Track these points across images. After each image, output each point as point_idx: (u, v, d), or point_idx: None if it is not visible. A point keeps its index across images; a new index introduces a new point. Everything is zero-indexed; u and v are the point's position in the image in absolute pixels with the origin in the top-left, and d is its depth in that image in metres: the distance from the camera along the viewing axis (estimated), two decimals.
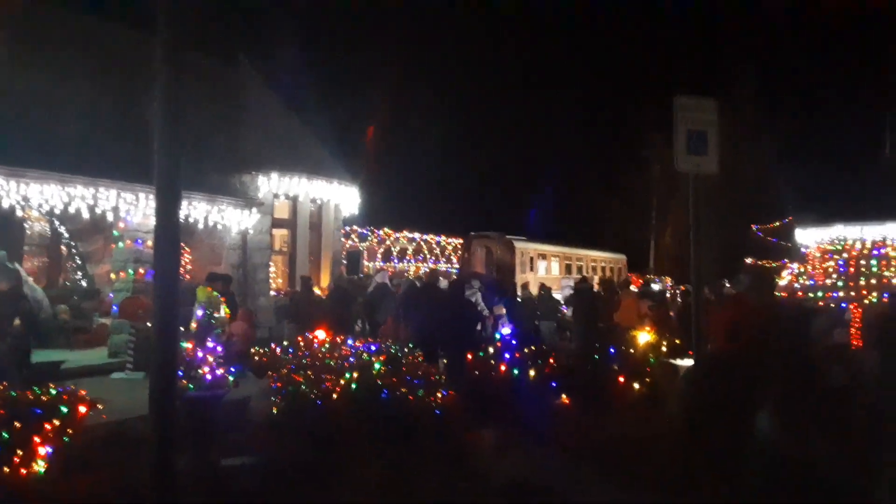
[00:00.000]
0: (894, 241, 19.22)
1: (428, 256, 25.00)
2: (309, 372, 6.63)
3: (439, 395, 6.98)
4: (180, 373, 6.48)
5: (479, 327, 10.60)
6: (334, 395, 6.33)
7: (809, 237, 21.56)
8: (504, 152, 42.66)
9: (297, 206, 14.13)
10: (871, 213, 18.83)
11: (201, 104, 12.51)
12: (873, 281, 18.25)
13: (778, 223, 30.46)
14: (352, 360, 6.82)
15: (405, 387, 6.66)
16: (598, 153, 39.59)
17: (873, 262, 19.39)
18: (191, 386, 6.41)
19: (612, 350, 9.02)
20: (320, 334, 7.71)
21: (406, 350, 7.38)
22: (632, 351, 9.37)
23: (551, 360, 8.33)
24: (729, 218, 28.99)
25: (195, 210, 11.48)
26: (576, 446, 6.32)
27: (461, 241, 24.35)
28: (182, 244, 11.78)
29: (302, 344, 7.56)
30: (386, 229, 23.95)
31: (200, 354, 6.60)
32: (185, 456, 5.31)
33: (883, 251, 19.37)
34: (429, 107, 35.32)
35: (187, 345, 6.68)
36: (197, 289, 7.95)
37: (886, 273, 19.07)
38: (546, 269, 22.93)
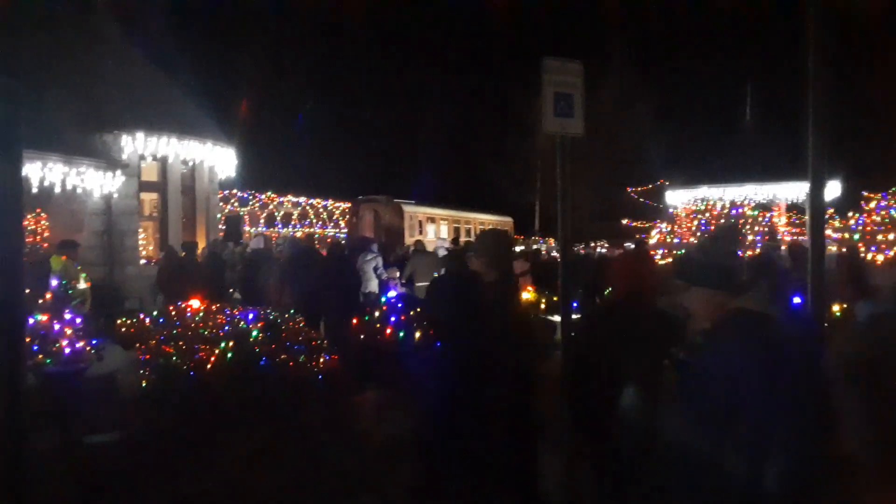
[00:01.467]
0: (751, 200, 21.04)
1: (314, 221, 24.46)
2: (181, 342, 6.34)
3: (322, 360, 6.91)
4: (36, 347, 6.01)
5: (369, 290, 10.59)
6: (209, 366, 6.10)
7: (678, 198, 23.16)
8: (392, 116, 42.21)
9: (167, 168, 13.28)
10: (733, 176, 20.45)
11: (54, 54, 11.42)
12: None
13: (650, 186, 32.34)
14: (227, 328, 6.59)
15: (285, 353, 6.52)
16: (485, 117, 40.08)
17: (732, 220, 21.13)
18: (48, 360, 5.96)
19: None
20: (194, 303, 7.39)
21: (287, 316, 7.22)
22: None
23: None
24: (605, 180, 30.36)
25: (51, 172, 10.52)
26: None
27: (349, 205, 24.04)
28: (38, 209, 10.95)
29: (174, 313, 7.21)
30: (269, 193, 23.15)
31: (57, 327, 6.13)
32: (45, 435, 4.98)
33: (740, 210, 21.13)
34: (314, 68, 34.17)
35: (42, 317, 6.19)
36: (51, 258, 7.34)
37: (743, 230, 20.86)
38: (435, 232, 23.13)
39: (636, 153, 30.67)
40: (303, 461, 5.20)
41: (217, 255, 10.88)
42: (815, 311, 5.35)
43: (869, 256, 16.51)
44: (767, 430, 2.28)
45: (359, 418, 6.33)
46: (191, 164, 13.75)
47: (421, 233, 21.78)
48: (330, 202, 25.35)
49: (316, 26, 39.23)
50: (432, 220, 23.30)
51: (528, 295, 10.24)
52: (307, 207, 24.45)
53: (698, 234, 20.92)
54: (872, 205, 22.03)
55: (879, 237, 21.01)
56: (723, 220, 20.89)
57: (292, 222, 23.87)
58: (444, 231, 23.70)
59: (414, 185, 29.32)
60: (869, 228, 21.69)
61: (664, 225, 24.00)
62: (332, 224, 25.08)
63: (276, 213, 23.56)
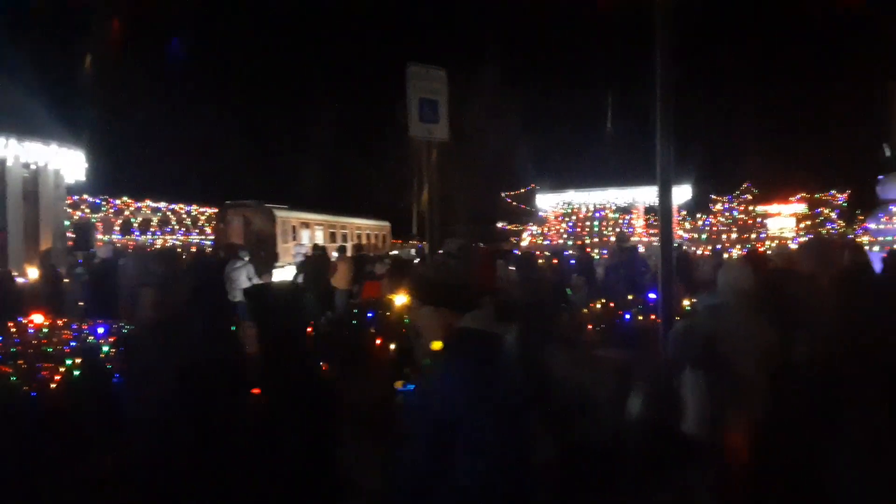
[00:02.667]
0: (613, 204, 22.37)
1: (177, 228, 23.01)
2: (20, 361, 5.80)
3: None
4: None
5: (238, 300, 10.27)
6: (53, 385, 5.61)
7: (547, 202, 24.21)
8: (264, 116, 40.86)
9: (6, 172, 12.06)
10: (596, 181, 21.65)
11: None
12: (596, 239, 21.05)
13: (523, 189, 33.57)
14: (74, 344, 6.09)
15: None
16: (361, 120, 39.78)
17: (595, 223, 22.37)
18: None
19: (370, 314, 9.44)
20: (36, 318, 6.76)
21: None
22: (388, 314, 9.83)
23: (308, 329, 8.31)
24: (479, 185, 31.10)
25: None
26: (329, 409, 6.36)
27: (215, 210, 22.92)
28: None
29: (13, 330, 6.56)
30: (125, 198, 21.53)
31: None
32: None
33: (603, 213, 22.40)
34: (177, 63, 32.39)
35: None
36: None
37: (606, 232, 22.14)
38: (310, 238, 22.60)
39: (509, 158, 31.70)
40: (160, 481, 4.90)
41: (53, 267, 9.96)
42: (665, 304, 5.79)
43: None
44: (485, 450, 2.23)
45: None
46: (33, 167, 12.60)
47: (294, 239, 21.19)
48: (194, 207, 23.90)
49: (180, 21, 37.19)
50: (307, 225, 22.74)
51: (403, 299, 10.33)
52: (168, 213, 22.94)
53: (565, 235, 21.95)
54: (719, 206, 24.20)
55: (724, 236, 23.10)
56: (586, 223, 22.03)
57: (151, 229, 22.35)
58: (320, 237, 23.23)
59: (287, 189, 28.55)
60: (715, 228, 23.80)
61: (535, 227, 24.97)
62: (196, 231, 23.71)
63: (132, 220, 21.97)
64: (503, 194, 34.98)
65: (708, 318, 3.80)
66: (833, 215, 24.66)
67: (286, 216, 21.30)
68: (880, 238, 17.12)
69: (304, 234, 22.30)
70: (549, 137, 31.97)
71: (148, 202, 22.35)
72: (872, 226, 20.11)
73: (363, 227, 27.64)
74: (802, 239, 21.44)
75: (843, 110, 32.75)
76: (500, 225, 37.01)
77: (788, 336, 3.86)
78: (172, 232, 22.65)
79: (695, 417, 3.76)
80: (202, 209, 23.81)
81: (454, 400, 2.24)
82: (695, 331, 3.80)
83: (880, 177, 19.30)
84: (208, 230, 23.24)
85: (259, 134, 39.04)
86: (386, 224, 30.62)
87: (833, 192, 25.23)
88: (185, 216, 23.23)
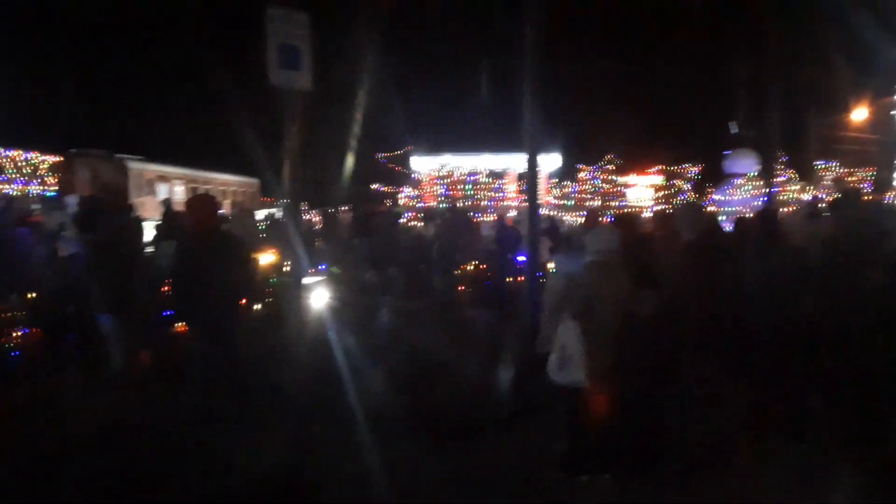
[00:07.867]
0: (486, 168, 22.77)
1: (14, 176, 20.54)
2: None
3: (16, 334, 6.12)
4: None
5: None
6: None
7: (423, 165, 24.21)
8: (116, 59, 37.34)
9: None
10: (472, 146, 21.90)
11: None
12: (469, 203, 21.33)
13: (398, 152, 33.26)
14: None
15: None
16: (231, 70, 37.39)
17: (469, 186, 22.68)
18: None
19: None
20: None
21: None
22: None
23: (165, 288, 7.83)
24: (356, 146, 30.44)
25: None
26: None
27: (60, 158, 20.65)
28: None
29: None
30: None
31: None
32: None
33: (475, 177, 22.73)
34: None
35: None
36: None
37: (478, 196, 22.52)
38: (169, 193, 21.09)
39: (385, 119, 31.21)
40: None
41: None
42: (531, 265, 5.95)
43: (579, 220, 18.90)
44: None
45: (70, 396, 5.66)
46: None
47: (150, 193, 19.67)
48: (34, 154, 21.32)
49: None
50: (164, 179, 21.21)
51: (271, 257, 10.06)
52: (2, 159, 20.34)
53: (440, 198, 22.09)
54: (584, 175, 25.27)
55: (588, 203, 24.24)
56: (460, 186, 22.29)
57: None
58: (180, 192, 21.77)
59: (144, 138, 26.35)
60: (581, 195, 24.90)
61: (410, 190, 24.93)
62: (37, 181, 21.24)
63: None
64: (378, 155, 34.50)
65: (586, 274, 4.05)
66: (686, 187, 26.40)
67: (141, 168, 19.70)
68: (724, 208, 18.63)
69: (162, 188, 20.79)
70: (426, 100, 31.78)
71: None
72: (718, 197, 21.80)
73: (228, 184, 26.26)
74: (658, 208, 22.93)
75: (697, 90, 35.17)
76: (374, 186, 36.51)
77: (638, 293, 4.13)
78: (8, 181, 20.11)
79: (578, 364, 3.94)
80: (43, 157, 21.28)
81: None
82: (578, 285, 4.02)
83: (727, 152, 20.88)
84: (50, 181, 20.90)
85: (111, 78, 35.63)
86: (255, 181, 29.22)
87: (686, 165, 26.96)
88: (22, 163, 20.65)
